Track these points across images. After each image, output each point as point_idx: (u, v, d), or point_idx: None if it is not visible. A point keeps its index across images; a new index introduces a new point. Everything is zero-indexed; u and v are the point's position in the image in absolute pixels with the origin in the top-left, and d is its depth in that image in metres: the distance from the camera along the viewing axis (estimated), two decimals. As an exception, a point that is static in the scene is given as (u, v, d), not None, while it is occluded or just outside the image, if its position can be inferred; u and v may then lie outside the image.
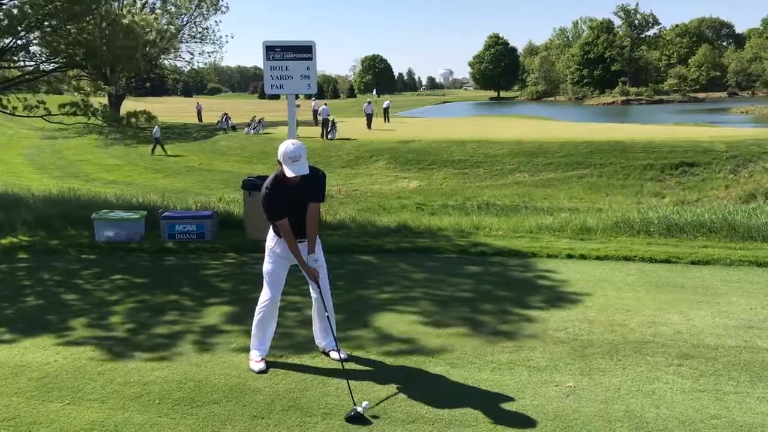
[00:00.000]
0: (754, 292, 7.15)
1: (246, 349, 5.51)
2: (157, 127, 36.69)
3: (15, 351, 5.65)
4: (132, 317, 6.52)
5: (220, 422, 4.37)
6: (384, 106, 47.27)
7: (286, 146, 4.86)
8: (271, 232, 5.24)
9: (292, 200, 4.95)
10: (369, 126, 39.14)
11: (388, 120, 45.61)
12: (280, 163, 4.89)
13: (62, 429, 4.29)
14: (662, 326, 6.11)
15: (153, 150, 36.13)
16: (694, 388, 4.81)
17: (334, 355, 5.40)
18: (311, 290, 5.38)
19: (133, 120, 15.80)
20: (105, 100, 39.75)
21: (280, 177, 4.94)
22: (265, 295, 5.25)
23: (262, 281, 5.29)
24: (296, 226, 5.03)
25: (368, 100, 42.40)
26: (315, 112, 40.33)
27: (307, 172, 4.86)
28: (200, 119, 51.04)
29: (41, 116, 14.05)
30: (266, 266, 5.26)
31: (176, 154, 35.93)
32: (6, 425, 4.34)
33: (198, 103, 57.67)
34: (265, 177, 8.89)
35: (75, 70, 16.34)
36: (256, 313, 5.27)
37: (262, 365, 5.20)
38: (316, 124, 36.72)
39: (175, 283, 7.69)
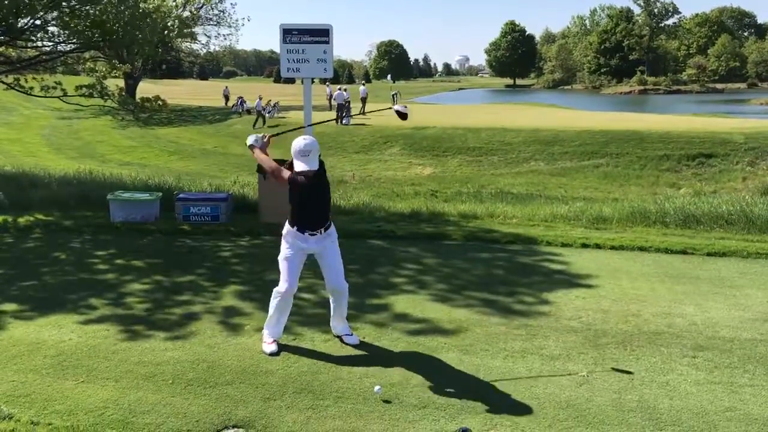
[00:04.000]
0: (771, 285, 7.07)
1: (259, 331, 5.53)
2: (258, 100, 37.53)
3: (31, 329, 5.70)
4: (146, 298, 6.56)
5: (233, 403, 4.39)
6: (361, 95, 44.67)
7: (298, 142, 4.98)
8: (287, 224, 5.26)
9: (308, 191, 5.06)
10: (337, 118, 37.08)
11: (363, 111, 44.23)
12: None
13: (76, 406, 4.33)
14: (677, 317, 6.07)
15: (255, 123, 36.35)
16: (708, 380, 4.78)
17: (347, 339, 5.42)
18: (326, 280, 5.38)
19: (147, 105, 15.86)
20: (122, 83, 39.93)
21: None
22: (283, 283, 5.23)
23: (279, 268, 5.28)
24: (312, 215, 5.14)
25: (339, 87, 40.78)
26: (330, 97, 40.10)
27: (315, 168, 4.97)
28: (227, 103, 50.26)
29: (58, 97, 14.11)
30: (283, 253, 5.26)
31: (273, 124, 35.73)
32: (21, 401, 4.39)
33: (226, 87, 56.95)
34: (281, 161, 8.89)
35: (92, 51, 16.38)
36: (273, 298, 5.27)
37: (274, 347, 5.22)
38: (330, 109, 36.57)
39: (189, 265, 7.73)
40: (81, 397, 4.45)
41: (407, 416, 4.27)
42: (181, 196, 10.08)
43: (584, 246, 8.67)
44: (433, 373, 4.87)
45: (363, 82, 44.94)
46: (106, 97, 14.34)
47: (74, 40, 14.54)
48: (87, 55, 16.69)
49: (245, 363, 5.01)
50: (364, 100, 39.27)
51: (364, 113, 37.83)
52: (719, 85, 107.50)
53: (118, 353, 5.18)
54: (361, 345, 5.37)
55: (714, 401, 4.47)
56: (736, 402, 4.46)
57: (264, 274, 7.35)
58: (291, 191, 5.13)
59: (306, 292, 6.68)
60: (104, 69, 16.04)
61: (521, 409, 4.35)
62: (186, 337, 5.54)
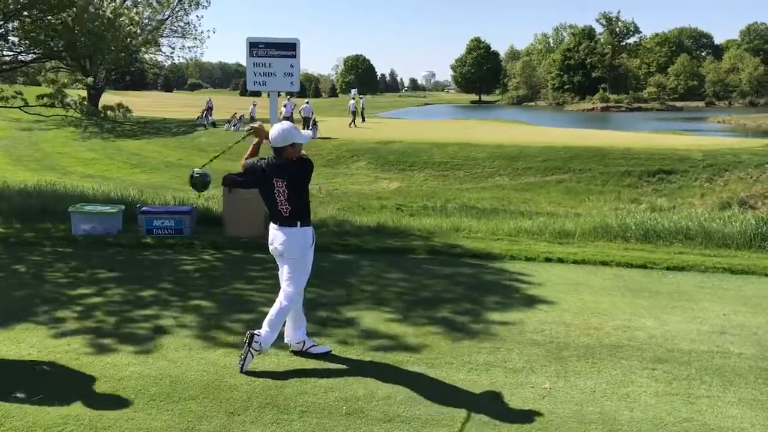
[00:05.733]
0: (727, 299, 7.26)
1: (224, 345, 5.51)
2: (252, 106, 38.23)
3: (-12, 344, 5.57)
4: (108, 312, 6.45)
5: (196, 418, 4.35)
6: (361, 105, 47.76)
7: (282, 125, 5.15)
8: (309, 235, 5.23)
9: None
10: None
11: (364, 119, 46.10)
12: (275, 151, 5.12)
13: (35, 423, 4.24)
14: (637, 330, 6.19)
15: None
16: (667, 392, 4.88)
17: (313, 350, 5.42)
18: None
19: (110, 113, 15.68)
20: (84, 93, 39.37)
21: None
22: (300, 296, 5.34)
23: (298, 278, 5.25)
24: None
25: (353, 97, 43.02)
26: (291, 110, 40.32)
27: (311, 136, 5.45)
28: (209, 116, 48.54)
29: (18, 107, 13.87)
30: (308, 267, 5.30)
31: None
32: (-23, 418, 4.28)
33: (209, 99, 55.41)
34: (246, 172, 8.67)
35: (53, 61, 16.17)
36: (284, 311, 5.22)
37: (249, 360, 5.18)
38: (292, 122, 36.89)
39: (152, 279, 7.63)
40: (40, 413, 4.36)
41: (372, 430, 4.27)
42: (144, 209, 9.97)
43: (547, 260, 8.79)
44: (398, 386, 4.88)
45: (353, 96, 45.47)
46: (67, 107, 14.14)
47: (35, 50, 14.34)
48: (48, 65, 16.47)
49: (209, 377, 4.97)
50: (354, 114, 40.47)
51: (354, 125, 39.12)
52: (678, 103, 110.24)
53: (78, 368, 5.09)
54: (326, 359, 5.35)
55: (672, 412, 4.57)
56: (694, 413, 4.56)
57: (228, 289, 7.30)
58: (307, 182, 5.24)
59: (271, 305, 6.65)
60: (66, 79, 15.84)
61: (485, 422, 4.39)
62: (149, 351, 5.47)
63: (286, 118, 35.45)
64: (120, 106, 15.61)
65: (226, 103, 57.41)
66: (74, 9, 12.43)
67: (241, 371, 5.03)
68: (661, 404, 4.68)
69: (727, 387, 4.99)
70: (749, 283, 7.99)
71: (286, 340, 5.47)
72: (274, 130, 5.08)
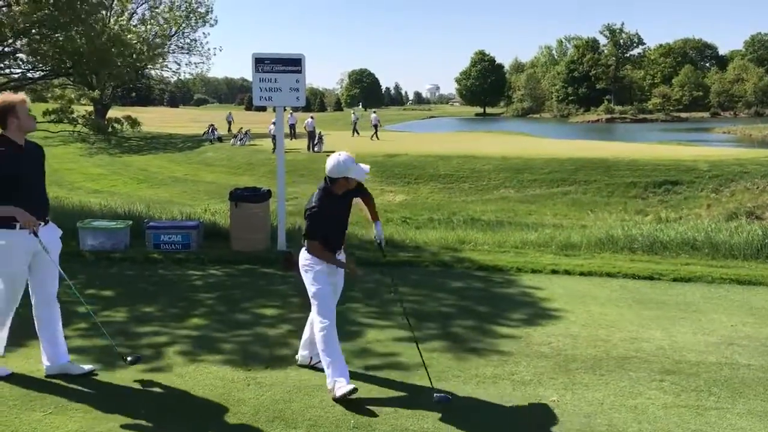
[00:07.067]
0: (735, 310, 7.24)
1: (231, 359, 5.52)
2: (272, 125, 36.89)
3: (-3, 359, 5.59)
4: (116, 327, 6.48)
5: (205, 433, 4.36)
6: (354, 118, 48.49)
7: (339, 156, 4.95)
8: (306, 253, 5.12)
9: (337, 211, 5.06)
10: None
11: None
12: (329, 180, 4.96)
13: (44, 438, 4.26)
14: (645, 342, 6.17)
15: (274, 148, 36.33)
16: (675, 404, 4.87)
17: (321, 364, 5.41)
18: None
19: (116, 125, 15.80)
20: (91, 109, 39.68)
21: (330, 191, 5.00)
22: (324, 318, 4.96)
23: (311, 303, 5.08)
24: (337, 235, 5.16)
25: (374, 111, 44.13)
26: (292, 126, 40.78)
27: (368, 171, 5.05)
28: (230, 130, 48.70)
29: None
30: (313, 288, 5.03)
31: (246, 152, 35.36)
32: (-13, 434, 4.30)
33: (229, 113, 55.50)
34: (253, 188, 8.91)
35: (61, 78, 16.33)
36: (321, 340, 4.94)
37: (351, 387, 4.83)
38: (292, 138, 37.52)
39: (159, 293, 7.66)
40: (49, 429, 4.38)
41: (380, 443, 4.27)
42: (151, 224, 10.01)
43: (554, 272, 8.78)
44: (405, 399, 4.89)
45: (374, 110, 46.14)
46: (74, 122, 14.27)
47: (43, 67, 14.48)
48: (56, 81, 16.63)
49: (217, 392, 4.98)
50: (376, 127, 41.36)
51: (377, 137, 39.83)
52: (683, 114, 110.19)
53: (87, 383, 5.11)
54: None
55: (681, 424, 4.55)
56: (702, 425, 4.55)
57: (235, 303, 7.32)
58: (320, 215, 4.93)
59: (278, 321, 6.67)
60: (72, 95, 15.99)
61: (493, 435, 4.39)
62: (157, 366, 5.49)
63: (310, 133, 35.68)
64: (128, 117, 15.75)
65: (239, 118, 57.49)
66: (82, 26, 12.56)
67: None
68: (669, 416, 4.67)
69: (736, 398, 4.98)
70: (757, 294, 7.97)
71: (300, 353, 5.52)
72: (331, 159, 4.94)
